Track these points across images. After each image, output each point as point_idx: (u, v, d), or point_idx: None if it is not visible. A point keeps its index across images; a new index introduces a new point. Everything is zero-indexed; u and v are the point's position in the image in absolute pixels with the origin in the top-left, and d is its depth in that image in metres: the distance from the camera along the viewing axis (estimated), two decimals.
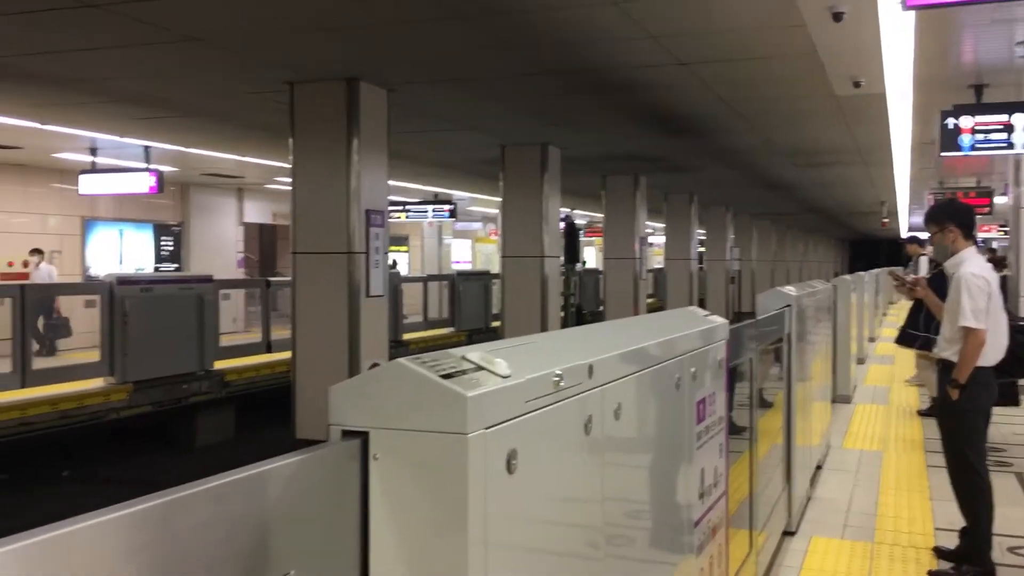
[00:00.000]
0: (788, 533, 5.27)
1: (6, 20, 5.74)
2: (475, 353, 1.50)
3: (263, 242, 24.20)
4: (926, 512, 5.66)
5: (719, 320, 3.06)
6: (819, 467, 6.79)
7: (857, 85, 7.56)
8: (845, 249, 55.29)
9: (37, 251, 14.06)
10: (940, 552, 4.81)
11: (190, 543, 1.15)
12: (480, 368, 1.46)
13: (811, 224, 32.64)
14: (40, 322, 13.35)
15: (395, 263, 23.81)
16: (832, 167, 14.41)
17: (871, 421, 8.86)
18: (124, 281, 9.43)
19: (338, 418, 1.39)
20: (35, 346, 12.76)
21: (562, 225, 14.11)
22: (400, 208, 18.95)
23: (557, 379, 1.61)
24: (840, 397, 9.67)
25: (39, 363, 9.22)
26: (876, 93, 7.91)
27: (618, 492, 2.01)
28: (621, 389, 1.97)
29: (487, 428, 1.37)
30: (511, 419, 1.45)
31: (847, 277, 11.69)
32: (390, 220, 7.97)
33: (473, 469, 1.33)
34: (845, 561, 4.82)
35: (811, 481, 6.26)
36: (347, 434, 1.39)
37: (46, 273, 13.81)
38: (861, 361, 13.17)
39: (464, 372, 1.42)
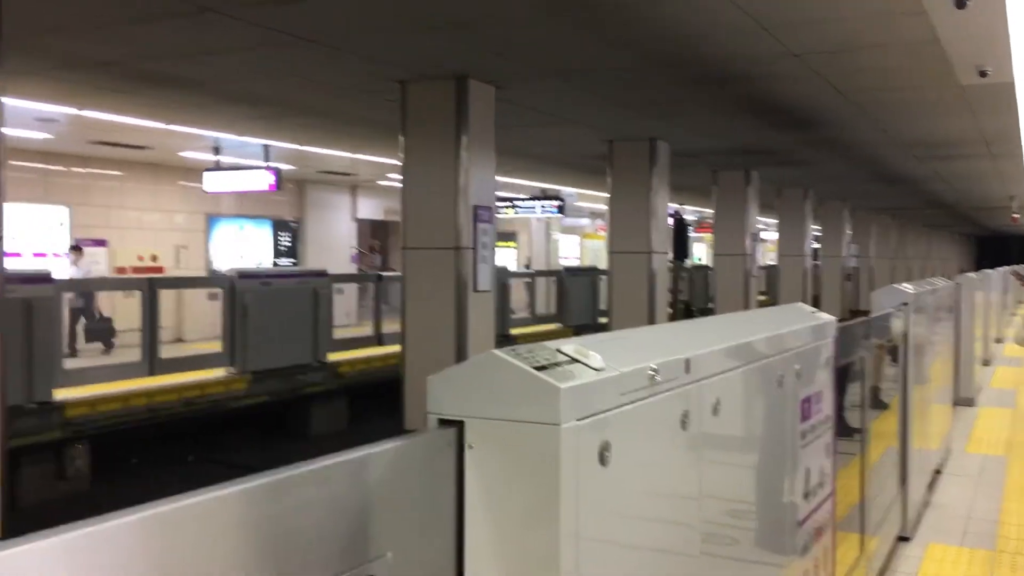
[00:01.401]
0: (903, 539, 5.10)
1: (131, 25, 6.04)
2: (570, 346, 1.52)
3: (376, 237, 24.76)
4: None
5: (826, 317, 2.99)
6: (938, 472, 6.55)
7: (983, 74, 7.21)
8: (972, 246, 52.86)
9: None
10: None
11: (293, 522, 1.21)
12: (574, 361, 1.48)
13: (934, 219, 31.30)
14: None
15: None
16: (957, 160, 13.79)
17: (996, 425, 8.47)
18: (244, 275, 9.79)
19: (435, 407, 1.43)
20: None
21: (670, 221, 13.95)
22: (508, 204, 19.08)
23: (652, 373, 1.62)
24: (963, 400, 9.27)
25: (166, 352, 9.65)
26: (1004, 82, 7.54)
27: (716, 489, 1.99)
28: (720, 384, 1.95)
29: (580, 420, 1.39)
30: (604, 411, 1.47)
31: (972, 275, 11.19)
32: (498, 216, 8.05)
33: (565, 460, 1.35)
34: (963, 570, 4.63)
35: (929, 486, 6.04)
36: (444, 423, 1.43)
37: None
38: (987, 363, 12.60)
39: (558, 364, 1.44)
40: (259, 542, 1.18)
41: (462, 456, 1.41)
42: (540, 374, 1.37)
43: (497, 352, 1.41)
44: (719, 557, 2.06)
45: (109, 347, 13.52)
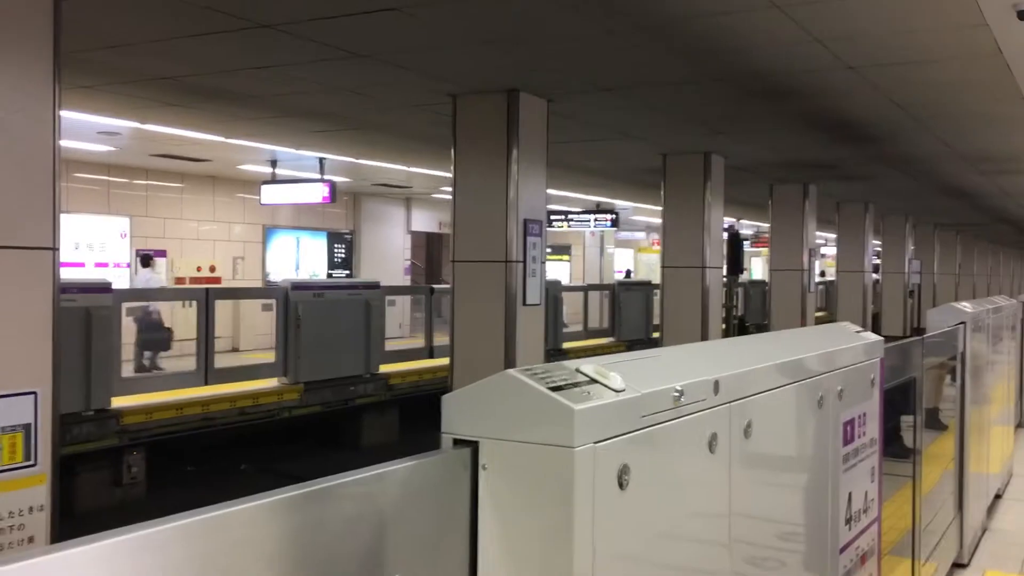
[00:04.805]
0: (959, 565, 4.94)
1: (190, 40, 6.17)
2: (589, 366, 1.49)
3: (429, 250, 24.93)
4: None
5: (872, 337, 2.91)
6: (998, 496, 6.34)
7: None
8: None
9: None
10: None
11: (303, 540, 1.19)
12: (593, 381, 1.44)
13: (1002, 235, 30.46)
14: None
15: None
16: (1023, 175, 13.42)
17: None
18: (298, 286, 9.90)
19: (450, 427, 1.41)
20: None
21: (725, 235, 13.79)
22: (562, 217, 19.00)
23: (677, 395, 1.58)
24: None
25: (221, 362, 9.79)
26: None
27: (747, 514, 1.94)
28: (752, 406, 1.90)
29: (596, 442, 1.36)
30: (623, 434, 1.43)
31: None
32: (552, 229, 8.04)
33: (580, 483, 1.32)
34: None
35: (988, 511, 5.85)
36: (458, 443, 1.41)
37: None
38: None
39: (576, 385, 1.41)
40: (269, 560, 1.17)
41: (476, 477, 1.39)
42: (555, 395, 1.34)
43: (512, 372, 1.39)
44: None
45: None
